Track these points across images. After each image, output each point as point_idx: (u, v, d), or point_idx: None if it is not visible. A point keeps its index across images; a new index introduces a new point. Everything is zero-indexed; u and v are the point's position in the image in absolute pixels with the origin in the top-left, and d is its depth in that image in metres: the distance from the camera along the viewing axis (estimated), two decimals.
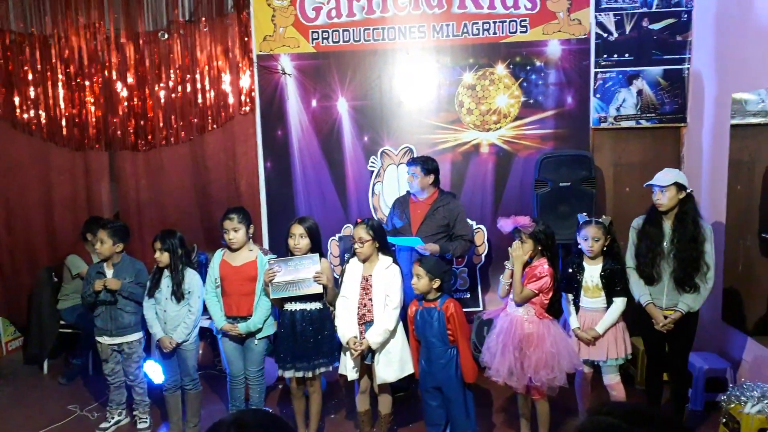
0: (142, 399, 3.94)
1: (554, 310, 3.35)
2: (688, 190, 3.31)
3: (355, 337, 3.35)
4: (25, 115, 5.02)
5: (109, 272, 3.79)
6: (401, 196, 4.29)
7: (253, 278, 3.54)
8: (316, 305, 3.47)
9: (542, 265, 3.26)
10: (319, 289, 3.42)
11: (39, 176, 5.10)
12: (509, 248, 3.34)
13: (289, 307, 3.48)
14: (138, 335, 3.87)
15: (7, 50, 4.95)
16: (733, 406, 3.31)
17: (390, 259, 3.47)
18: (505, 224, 3.33)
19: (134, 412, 3.98)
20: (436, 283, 3.20)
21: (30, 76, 4.97)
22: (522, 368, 3.19)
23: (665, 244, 3.33)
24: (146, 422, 3.94)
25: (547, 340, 3.20)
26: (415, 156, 4.55)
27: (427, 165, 4.02)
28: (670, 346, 3.43)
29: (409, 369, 3.45)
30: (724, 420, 3.40)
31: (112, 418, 3.96)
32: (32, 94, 4.99)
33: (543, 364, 3.16)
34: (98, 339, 3.87)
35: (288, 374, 3.49)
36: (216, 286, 3.59)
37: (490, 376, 3.26)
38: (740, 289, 3.90)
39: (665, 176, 3.31)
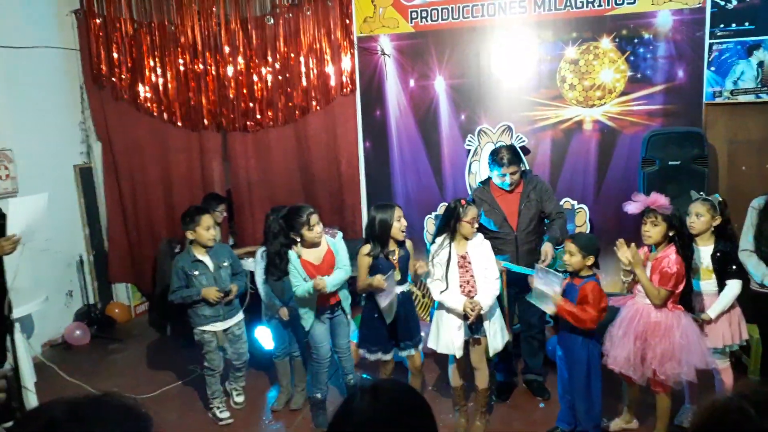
0: (242, 376, 4.02)
1: (685, 300, 3.12)
2: None
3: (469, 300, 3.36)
4: (147, 99, 5.45)
5: (206, 258, 3.73)
6: (478, 189, 4.06)
7: (333, 265, 3.55)
8: (405, 287, 3.56)
9: (669, 256, 3.05)
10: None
11: (159, 155, 5.55)
12: (617, 247, 3.12)
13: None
14: (242, 313, 3.91)
15: (131, 39, 5.38)
16: None
17: (481, 234, 3.51)
18: (635, 204, 3.13)
19: (230, 386, 4.06)
20: (590, 261, 3.12)
21: (151, 62, 5.38)
22: (644, 359, 3.06)
23: None
24: (243, 395, 4.06)
25: (675, 331, 3.01)
26: (506, 144, 4.28)
27: (520, 156, 3.91)
28: None
29: (506, 336, 3.54)
30: None
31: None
32: (153, 78, 5.41)
33: (669, 356, 3.00)
34: (209, 328, 3.71)
35: (386, 357, 3.55)
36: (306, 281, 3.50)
37: (606, 364, 3.18)
38: None
39: None
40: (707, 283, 3.24)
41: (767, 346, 3.40)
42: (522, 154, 4.21)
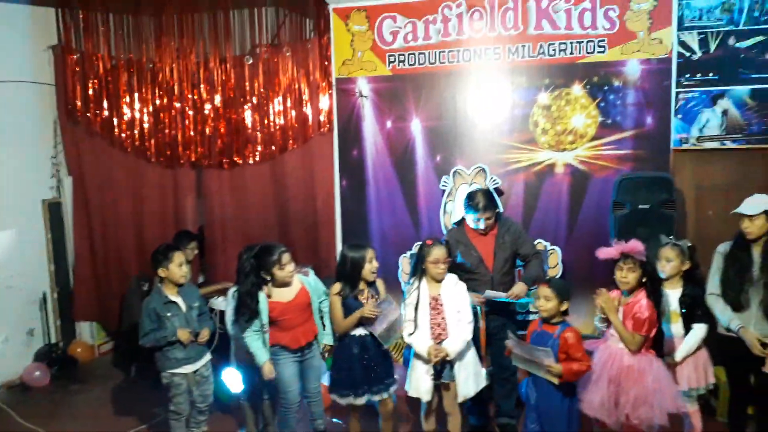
0: (205, 420, 3.83)
1: (656, 344, 3.13)
2: None
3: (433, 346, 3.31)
4: (122, 135, 5.40)
5: (178, 298, 3.60)
6: (453, 230, 4.12)
7: (309, 304, 3.53)
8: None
9: (640, 302, 3.05)
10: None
11: (132, 191, 5.47)
12: (597, 294, 3.14)
13: (357, 332, 3.45)
14: (209, 354, 3.78)
15: (108, 75, 5.36)
16: None
17: (455, 276, 3.49)
18: (610, 251, 3.12)
19: (192, 431, 3.80)
20: (564, 306, 3.07)
21: (127, 98, 5.35)
22: (617, 404, 3.01)
23: (754, 270, 3.20)
24: None
25: (648, 375, 2.99)
26: (482, 188, 4.17)
27: (495, 201, 3.94)
28: (757, 377, 3.26)
29: (482, 381, 3.48)
30: None
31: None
32: (128, 114, 5.37)
33: (642, 400, 2.96)
34: (179, 371, 3.57)
35: (358, 401, 3.46)
36: (264, 332, 3.45)
37: (581, 409, 3.12)
38: None
39: (754, 204, 3.19)
40: (676, 326, 3.26)
41: (734, 389, 3.41)
42: (497, 197, 4.25)
